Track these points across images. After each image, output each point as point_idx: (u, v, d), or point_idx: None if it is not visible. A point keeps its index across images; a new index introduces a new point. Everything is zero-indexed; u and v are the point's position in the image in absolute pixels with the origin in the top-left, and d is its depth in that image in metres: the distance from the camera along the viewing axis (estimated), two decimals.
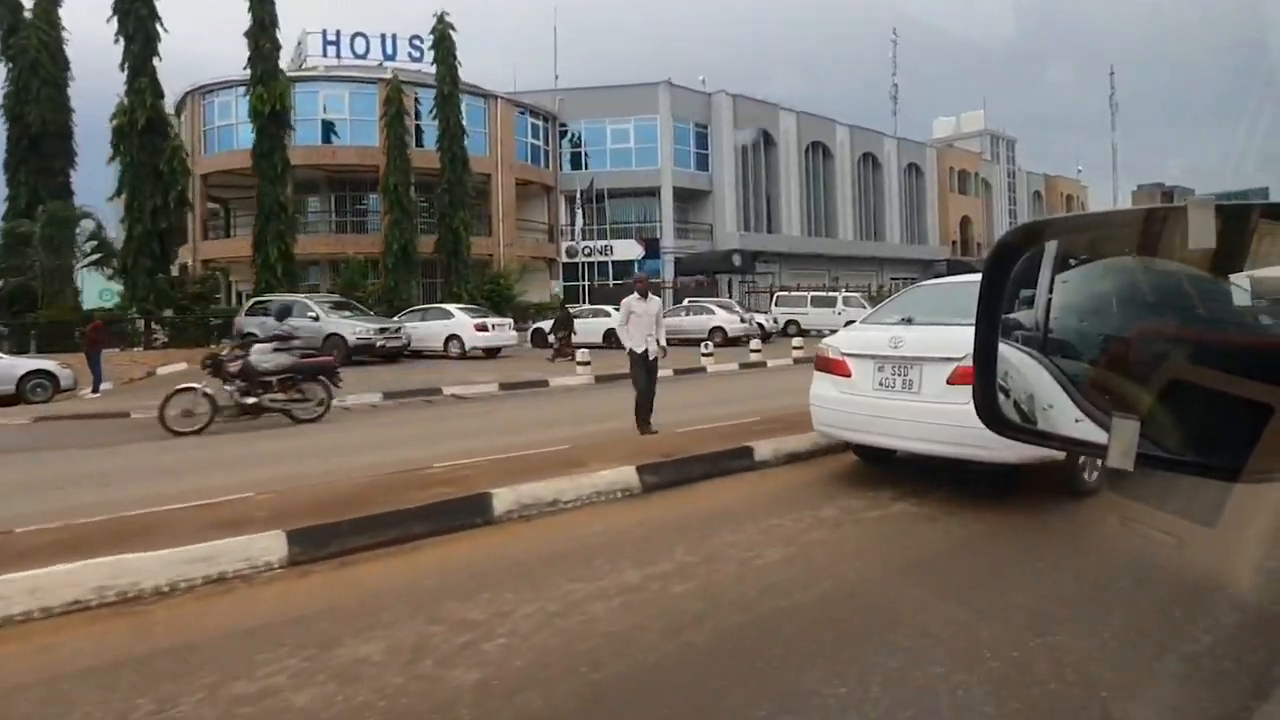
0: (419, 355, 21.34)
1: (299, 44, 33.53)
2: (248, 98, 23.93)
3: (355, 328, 18.92)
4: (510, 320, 22.34)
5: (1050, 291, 1.00)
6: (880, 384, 5.32)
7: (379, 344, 19.14)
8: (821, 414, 5.83)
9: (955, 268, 51.69)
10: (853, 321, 22.85)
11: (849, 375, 5.55)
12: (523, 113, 34.82)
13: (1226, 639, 2.86)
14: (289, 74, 30.57)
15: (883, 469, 6.09)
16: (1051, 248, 1.02)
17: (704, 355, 19.50)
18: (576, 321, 27.07)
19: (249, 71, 23.62)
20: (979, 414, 1.03)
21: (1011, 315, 1.02)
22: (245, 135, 26.05)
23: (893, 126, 57.16)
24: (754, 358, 20.46)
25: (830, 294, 34.59)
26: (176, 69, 27.75)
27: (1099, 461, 6.01)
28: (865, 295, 42.96)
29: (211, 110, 31.16)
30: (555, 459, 6.51)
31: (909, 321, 5.55)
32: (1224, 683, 2.63)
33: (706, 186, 38.60)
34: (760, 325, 29.46)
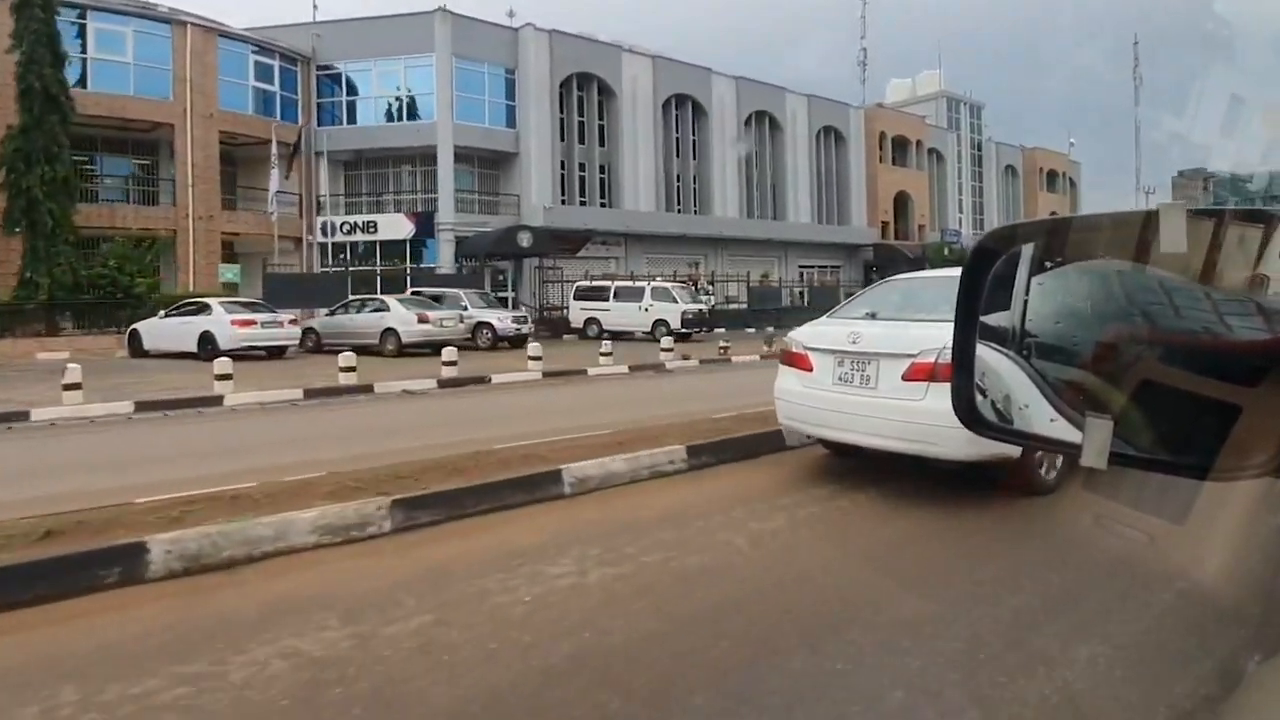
0: None
1: None
2: None
3: None
4: None
5: (1027, 293, 1.01)
6: (839, 379, 5.33)
7: None
8: (785, 408, 5.79)
9: (883, 254, 42.74)
10: (663, 321, 23.48)
11: (811, 370, 5.54)
12: (239, 47, 26.95)
13: (1195, 631, 2.92)
14: None
15: (852, 463, 5.90)
16: (1028, 250, 1.03)
17: (343, 370, 12.67)
18: (157, 322, 19.30)
19: None
20: (957, 413, 1.05)
21: (989, 317, 1.03)
22: None
23: (860, 96, 48.66)
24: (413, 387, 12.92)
25: (637, 284, 26.20)
26: None
27: (1058, 461, 4.96)
28: (749, 284, 34.79)
29: None
30: None
31: (873, 316, 5.55)
32: (1193, 674, 2.68)
33: (512, 147, 30.36)
34: (488, 326, 21.42)
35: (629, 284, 26.37)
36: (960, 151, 51.30)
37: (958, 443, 4.44)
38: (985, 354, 1.01)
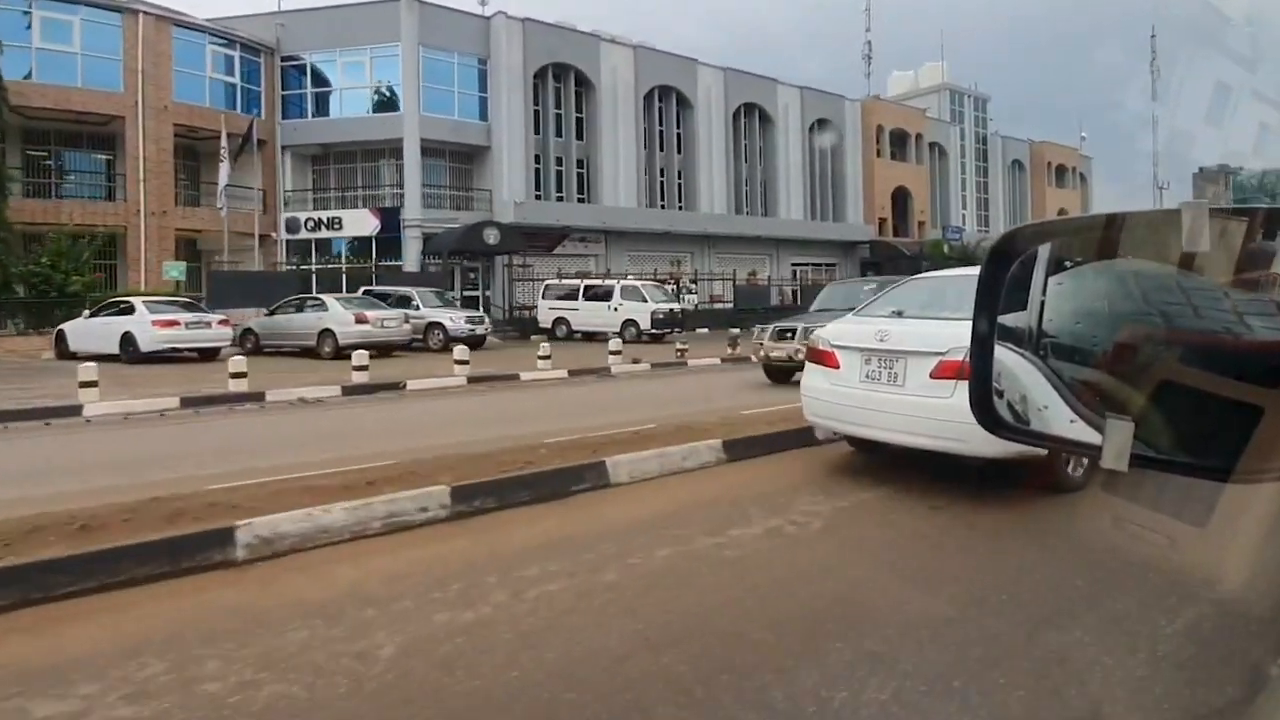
0: None
1: None
2: None
3: None
4: None
5: (1044, 294, 1.00)
6: (867, 376, 5.36)
7: None
8: (812, 404, 5.84)
9: (881, 252, 41.19)
10: (633, 321, 22.85)
11: (838, 367, 5.58)
12: (196, 37, 25.98)
13: (1216, 637, 2.87)
14: None
15: (876, 459, 5.98)
16: (1045, 250, 1.02)
17: (232, 376, 11.66)
18: (82, 322, 18.36)
19: None
20: (975, 414, 1.04)
21: (1006, 317, 1.02)
22: None
23: (865, 89, 47.05)
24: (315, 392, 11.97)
25: (606, 283, 25.01)
26: None
27: (1084, 459, 4.71)
28: (740, 282, 33.41)
29: None
30: None
31: (899, 315, 5.59)
32: (1214, 680, 2.62)
33: (484, 141, 29.23)
34: (439, 326, 20.31)
35: (598, 283, 25.19)
36: (964, 146, 49.56)
37: (985, 440, 3.71)
38: (1002, 355, 1.01)
